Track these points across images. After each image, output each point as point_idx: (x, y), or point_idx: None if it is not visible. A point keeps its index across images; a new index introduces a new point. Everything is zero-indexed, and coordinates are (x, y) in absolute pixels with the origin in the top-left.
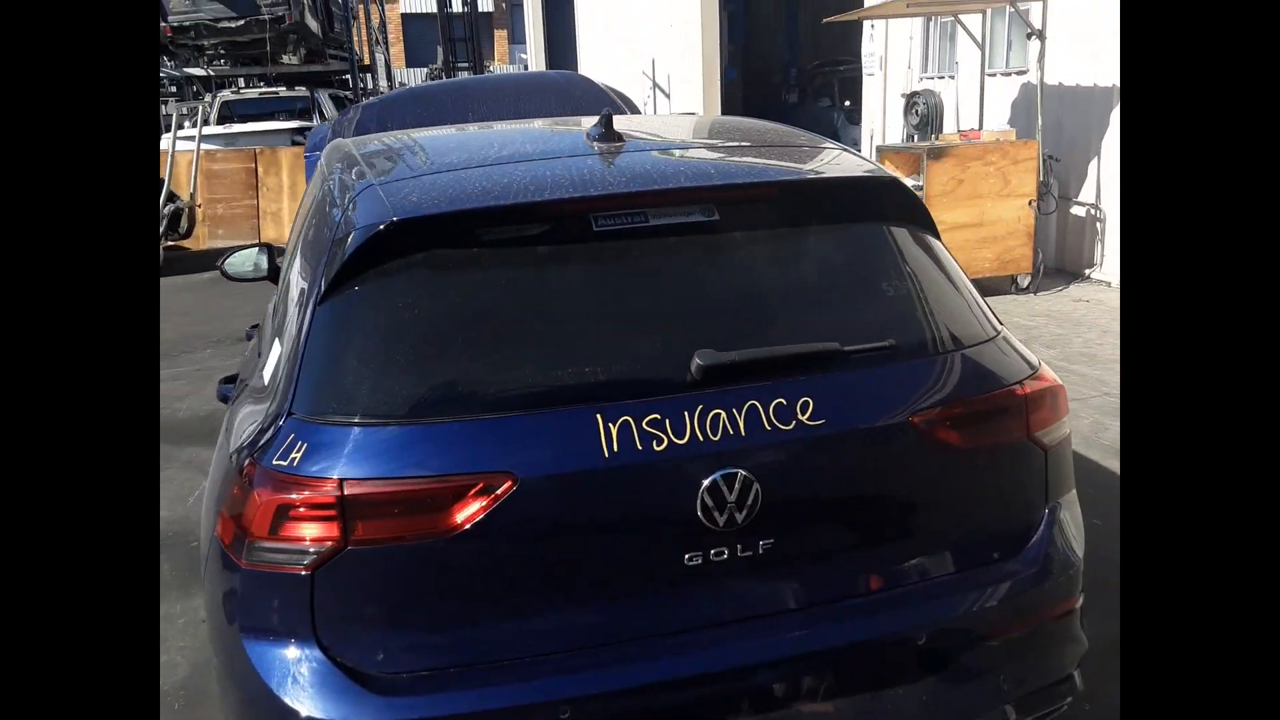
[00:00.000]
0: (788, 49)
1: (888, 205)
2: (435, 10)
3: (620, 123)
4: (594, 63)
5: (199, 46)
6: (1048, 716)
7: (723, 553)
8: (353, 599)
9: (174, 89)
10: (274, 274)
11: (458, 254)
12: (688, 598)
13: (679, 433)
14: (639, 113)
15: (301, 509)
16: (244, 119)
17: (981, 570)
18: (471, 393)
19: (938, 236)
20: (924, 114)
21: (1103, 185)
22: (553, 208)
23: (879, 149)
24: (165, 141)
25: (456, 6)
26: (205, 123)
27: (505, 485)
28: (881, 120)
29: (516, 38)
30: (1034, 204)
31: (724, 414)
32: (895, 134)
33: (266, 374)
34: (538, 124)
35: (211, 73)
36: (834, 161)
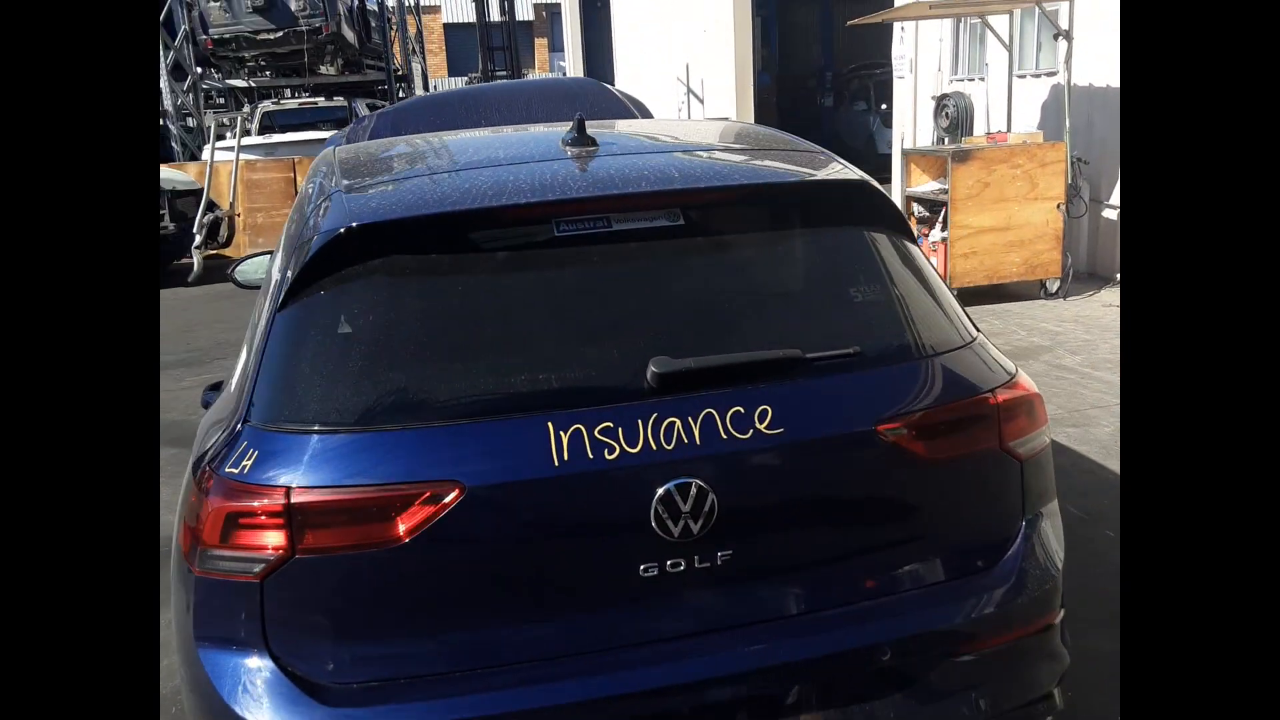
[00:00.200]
0: (823, 53)
1: (858, 209)
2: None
3: (598, 127)
4: (630, 69)
5: (240, 58)
6: None
7: (680, 564)
8: (303, 608)
9: (220, 101)
10: None
11: (416, 260)
12: (645, 610)
13: (632, 441)
14: (650, 117)
15: (250, 517)
16: (284, 129)
17: (952, 584)
18: (423, 400)
19: (913, 240)
20: (954, 116)
21: None
22: (510, 212)
23: (904, 152)
24: (205, 152)
25: (495, 15)
26: (246, 133)
27: (452, 494)
28: (912, 123)
29: (556, 45)
30: (1062, 207)
31: (679, 422)
32: (926, 137)
33: (234, 381)
34: (519, 129)
35: (253, 84)
36: (807, 165)
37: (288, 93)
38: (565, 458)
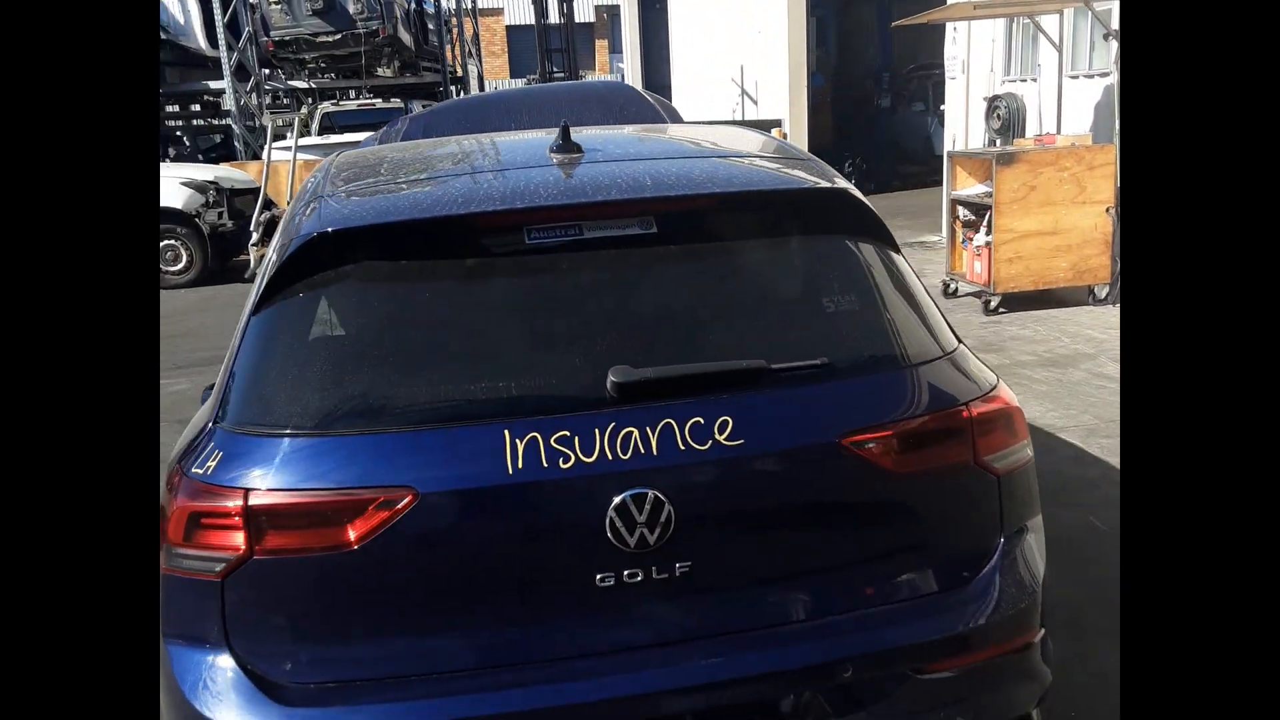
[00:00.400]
0: (881, 53)
1: (837, 218)
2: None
3: (592, 133)
4: (686, 70)
5: (300, 60)
6: None
7: (637, 574)
8: (262, 608)
9: (285, 101)
10: None
11: (387, 266)
12: (601, 619)
13: (588, 451)
14: (679, 121)
15: (211, 517)
16: (344, 129)
17: (922, 600)
18: (384, 406)
19: (895, 248)
20: (1005, 118)
21: None
22: (481, 220)
23: (950, 154)
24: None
25: (554, 18)
26: (306, 133)
27: (405, 500)
28: (964, 124)
29: (615, 47)
30: (1111, 211)
31: (636, 433)
32: (978, 139)
33: (217, 382)
34: (514, 136)
35: (314, 85)
36: (789, 173)
37: (350, 94)
38: (520, 465)
